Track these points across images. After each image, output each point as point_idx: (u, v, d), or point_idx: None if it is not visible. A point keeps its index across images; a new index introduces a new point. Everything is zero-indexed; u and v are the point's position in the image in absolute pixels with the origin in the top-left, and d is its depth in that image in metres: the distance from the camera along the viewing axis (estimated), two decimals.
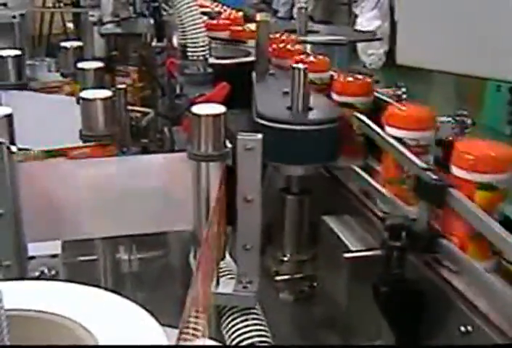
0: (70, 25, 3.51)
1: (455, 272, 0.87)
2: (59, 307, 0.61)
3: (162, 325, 0.64)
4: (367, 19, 3.16)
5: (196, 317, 0.61)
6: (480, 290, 0.82)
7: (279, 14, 3.67)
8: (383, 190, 1.03)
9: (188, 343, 0.56)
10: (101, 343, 0.56)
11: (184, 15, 1.28)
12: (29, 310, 0.61)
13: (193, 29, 1.28)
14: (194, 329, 0.59)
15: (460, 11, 1.11)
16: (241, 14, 1.98)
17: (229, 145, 0.96)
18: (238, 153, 0.93)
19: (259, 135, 0.94)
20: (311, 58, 1.32)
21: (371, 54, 3.12)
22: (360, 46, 3.09)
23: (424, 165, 0.92)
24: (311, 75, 1.24)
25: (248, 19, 1.86)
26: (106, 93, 1.07)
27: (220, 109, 0.93)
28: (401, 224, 0.89)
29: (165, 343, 0.55)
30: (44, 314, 0.60)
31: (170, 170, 0.96)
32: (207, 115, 0.91)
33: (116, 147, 1.08)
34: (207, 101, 1.08)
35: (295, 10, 2.20)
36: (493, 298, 0.80)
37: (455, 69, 1.22)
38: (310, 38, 1.81)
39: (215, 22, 1.79)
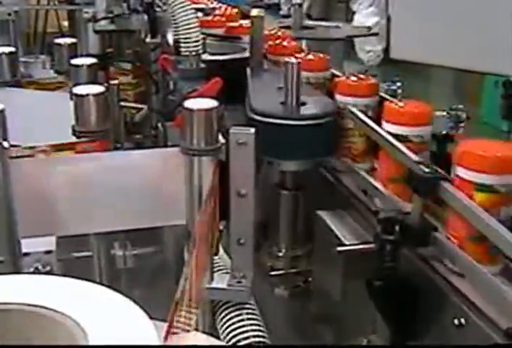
0: (65, 23, 3.50)
1: (449, 266, 0.87)
2: (48, 300, 0.61)
3: (156, 319, 0.64)
4: (364, 16, 3.15)
5: (188, 311, 0.61)
6: (474, 282, 0.82)
7: (281, 12, 3.63)
8: (378, 185, 1.03)
9: (177, 336, 0.56)
10: (90, 335, 0.56)
11: (177, 11, 1.28)
12: (17, 304, 0.61)
13: (186, 24, 1.28)
14: (185, 323, 0.59)
15: (454, 5, 1.11)
16: (236, 10, 1.98)
17: (223, 140, 0.96)
18: (230, 147, 0.93)
19: (252, 130, 0.94)
20: (311, 56, 1.32)
21: (369, 51, 3.11)
22: (357, 43, 3.08)
23: (417, 158, 0.92)
24: (311, 75, 1.24)
25: (245, 15, 1.86)
26: (98, 88, 1.06)
27: (212, 103, 0.93)
28: (394, 217, 0.89)
29: (155, 336, 0.55)
30: (33, 307, 0.60)
31: (162, 165, 0.96)
32: (199, 110, 0.91)
33: (109, 143, 1.08)
34: (200, 96, 1.08)
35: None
36: (486, 290, 0.80)
37: (449, 63, 1.22)
38: (306, 34, 1.81)
39: (210, 18, 1.79)
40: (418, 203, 0.89)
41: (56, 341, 0.58)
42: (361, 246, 0.96)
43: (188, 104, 0.93)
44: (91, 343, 0.55)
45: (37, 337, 0.60)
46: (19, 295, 0.62)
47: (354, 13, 3.24)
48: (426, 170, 0.88)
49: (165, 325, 0.56)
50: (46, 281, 0.66)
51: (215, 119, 0.93)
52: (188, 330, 0.62)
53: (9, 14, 2.49)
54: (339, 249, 0.98)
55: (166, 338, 0.52)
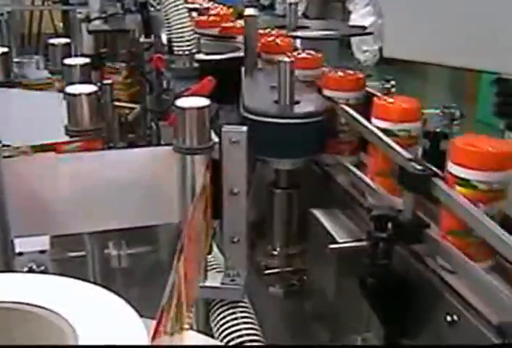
0: (60, 23, 3.50)
1: (441, 263, 0.87)
2: (37, 297, 0.61)
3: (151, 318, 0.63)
4: (360, 16, 3.15)
5: (177, 307, 0.61)
6: (467, 280, 0.82)
7: (276, 12, 3.63)
8: (369, 182, 1.03)
9: (172, 335, 0.56)
10: (79, 333, 0.56)
11: (170, 10, 1.28)
12: (2, 302, 0.61)
13: (179, 24, 1.29)
14: (176, 320, 0.59)
15: (448, 1, 1.11)
16: (231, 10, 1.98)
17: (216, 139, 0.96)
18: (223, 146, 0.93)
19: (244, 128, 0.94)
20: (303, 54, 1.32)
21: (366, 51, 3.11)
22: (354, 43, 3.08)
23: (409, 156, 0.91)
24: (302, 72, 1.24)
25: (241, 15, 1.86)
26: (91, 88, 1.06)
27: (203, 102, 0.93)
28: (387, 215, 0.89)
29: (145, 335, 0.55)
30: (19, 304, 0.60)
31: (155, 164, 0.96)
32: (191, 108, 0.91)
33: (102, 142, 1.07)
34: (193, 94, 1.08)
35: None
36: (479, 287, 0.80)
37: (443, 61, 1.22)
38: (300, 33, 1.81)
39: (205, 18, 1.79)
40: (410, 200, 0.89)
41: (45, 339, 0.58)
42: (353, 244, 0.96)
43: (180, 102, 0.93)
44: (81, 340, 0.55)
45: (23, 335, 0.59)
46: (5, 293, 0.62)
47: (350, 13, 3.24)
48: (418, 167, 0.88)
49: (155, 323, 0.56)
50: (34, 279, 0.66)
51: (207, 117, 0.93)
52: (181, 329, 0.62)
53: (1, 15, 2.48)
54: (331, 246, 0.97)
55: (154, 337, 0.52)
